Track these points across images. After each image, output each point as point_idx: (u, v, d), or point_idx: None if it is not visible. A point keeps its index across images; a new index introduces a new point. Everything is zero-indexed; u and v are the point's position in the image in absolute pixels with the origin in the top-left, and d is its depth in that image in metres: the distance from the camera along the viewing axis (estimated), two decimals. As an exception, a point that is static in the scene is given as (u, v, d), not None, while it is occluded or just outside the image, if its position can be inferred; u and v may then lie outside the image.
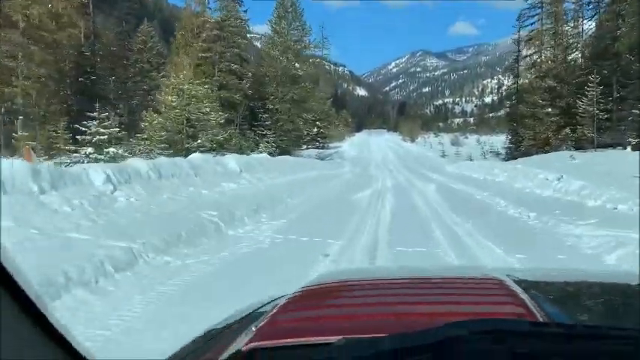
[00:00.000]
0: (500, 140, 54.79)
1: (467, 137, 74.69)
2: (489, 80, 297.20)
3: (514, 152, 35.70)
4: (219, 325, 1.29)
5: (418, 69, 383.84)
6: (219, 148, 20.41)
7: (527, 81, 33.38)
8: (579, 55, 32.12)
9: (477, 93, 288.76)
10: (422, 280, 1.36)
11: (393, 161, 37.47)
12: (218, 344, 1.04)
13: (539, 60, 32.64)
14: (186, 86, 20.34)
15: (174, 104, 20.35)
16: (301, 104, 31.85)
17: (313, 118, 47.88)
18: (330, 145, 51.60)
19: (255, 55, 39.14)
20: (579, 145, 28.22)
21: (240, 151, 22.07)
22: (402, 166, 30.93)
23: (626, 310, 1.12)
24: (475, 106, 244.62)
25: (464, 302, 1.12)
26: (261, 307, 1.30)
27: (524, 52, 36.56)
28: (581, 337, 0.72)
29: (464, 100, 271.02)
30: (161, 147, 19.73)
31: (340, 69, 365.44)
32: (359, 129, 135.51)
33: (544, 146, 30.32)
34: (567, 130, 29.51)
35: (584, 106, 28.78)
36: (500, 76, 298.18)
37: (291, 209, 10.43)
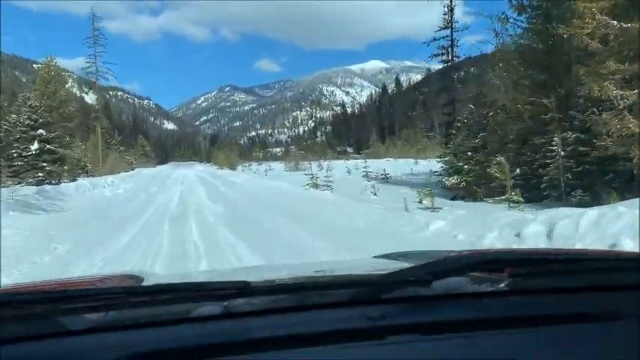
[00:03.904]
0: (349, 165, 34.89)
1: (297, 164, 53.22)
2: (298, 112, 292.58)
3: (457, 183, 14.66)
4: None
5: (228, 103, 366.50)
6: None
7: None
8: None
9: (287, 124, 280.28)
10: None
11: (210, 209, 13.69)
12: None
13: None
14: None
15: None
16: None
17: (30, 123, 21.69)
18: (84, 177, 25.84)
19: None
20: None
21: None
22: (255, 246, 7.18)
23: None
24: (288, 137, 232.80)
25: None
26: None
27: None
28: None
29: (276, 131, 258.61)
30: None
31: (145, 102, 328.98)
32: (165, 161, 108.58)
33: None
34: None
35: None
36: (308, 108, 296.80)
37: None
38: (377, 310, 0.79)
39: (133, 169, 41.80)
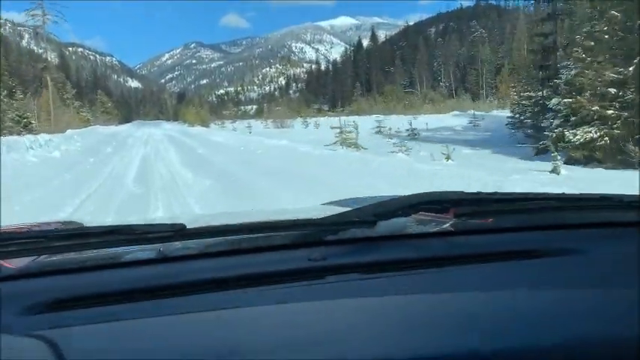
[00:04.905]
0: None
1: (282, 121, 47.54)
2: (268, 69, 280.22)
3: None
4: None
5: (194, 61, 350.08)
6: None
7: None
8: None
9: (257, 82, 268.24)
10: None
11: (190, 187, 7.63)
12: None
13: None
14: None
15: None
16: None
17: None
18: (23, 135, 19.23)
19: None
20: None
21: None
22: None
23: None
24: (258, 94, 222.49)
25: None
26: None
27: None
28: None
29: (246, 89, 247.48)
30: None
31: (107, 59, 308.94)
32: (129, 120, 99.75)
33: None
34: None
35: None
36: (278, 65, 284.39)
37: None
38: (318, 251, 0.78)
39: (86, 127, 34.95)
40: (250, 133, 27.07)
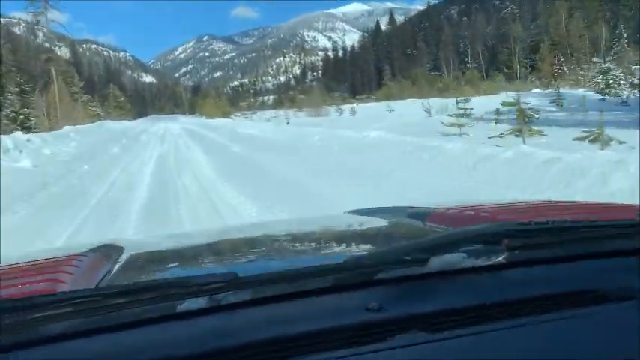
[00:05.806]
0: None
1: (318, 109, 42.57)
2: (282, 59, 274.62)
3: None
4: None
5: (207, 54, 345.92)
6: None
7: None
8: None
9: (271, 72, 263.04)
10: None
11: None
12: None
13: None
14: None
15: None
16: None
17: None
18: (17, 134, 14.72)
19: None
20: None
21: None
22: None
23: None
24: (273, 84, 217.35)
25: None
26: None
27: None
28: None
29: (261, 79, 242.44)
30: None
31: (121, 55, 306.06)
32: (144, 114, 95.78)
33: None
34: None
35: None
36: (291, 54, 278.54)
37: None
38: (373, 297, 0.71)
39: (93, 122, 30.67)
40: (288, 123, 22.37)
